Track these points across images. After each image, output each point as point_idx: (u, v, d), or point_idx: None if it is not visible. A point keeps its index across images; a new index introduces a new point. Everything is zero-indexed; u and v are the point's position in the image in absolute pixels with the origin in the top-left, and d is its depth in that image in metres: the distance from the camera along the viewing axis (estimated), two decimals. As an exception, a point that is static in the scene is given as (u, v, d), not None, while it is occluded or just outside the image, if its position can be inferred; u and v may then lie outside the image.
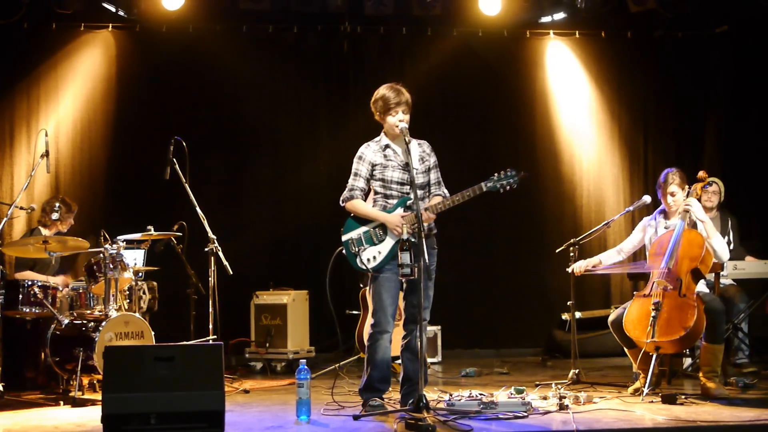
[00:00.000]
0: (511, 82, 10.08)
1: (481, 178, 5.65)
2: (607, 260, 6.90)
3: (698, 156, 9.93)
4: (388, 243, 5.71)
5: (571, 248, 7.08)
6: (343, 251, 5.83)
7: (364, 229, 5.77)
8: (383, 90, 5.82)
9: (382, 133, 5.91)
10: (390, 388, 5.92)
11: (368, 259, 5.71)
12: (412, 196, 5.63)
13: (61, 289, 7.14)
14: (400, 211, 5.72)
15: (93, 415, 5.65)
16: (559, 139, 10.08)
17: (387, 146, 5.84)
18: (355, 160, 5.89)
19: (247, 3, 9.27)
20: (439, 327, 8.87)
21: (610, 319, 6.50)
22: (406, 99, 5.76)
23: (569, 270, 6.92)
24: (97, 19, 9.46)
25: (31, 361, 7.20)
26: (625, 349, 6.47)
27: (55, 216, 7.57)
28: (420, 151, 5.89)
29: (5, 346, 6.83)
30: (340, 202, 5.88)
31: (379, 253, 5.71)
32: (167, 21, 9.40)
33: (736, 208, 8.28)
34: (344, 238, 5.81)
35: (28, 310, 6.90)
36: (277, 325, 8.66)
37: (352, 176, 5.87)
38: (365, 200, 5.88)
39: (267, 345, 8.60)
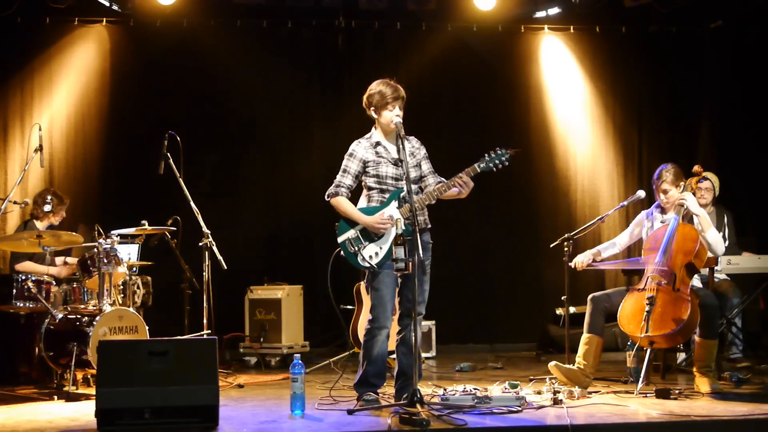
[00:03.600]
0: (506, 76, 10.08)
1: (477, 173, 5.66)
2: (604, 252, 6.91)
3: (693, 151, 9.92)
4: (388, 238, 5.71)
5: (566, 243, 7.08)
6: (342, 253, 5.83)
7: (359, 227, 5.77)
8: (379, 85, 5.82)
9: (373, 130, 5.91)
10: (384, 383, 5.93)
11: (370, 256, 5.70)
12: (405, 189, 5.64)
13: (57, 282, 7.15)
14: (393, 204, 5.73)
15: (87, 409, 5.63)
16: (553, 134, 10.08)
17: (378, 143, 5.84)
18: (346, 156, 5.89)
19: (241, -3, 9.28)
20: (433, 322, 8.88)
21: (593, 295, 6.56)
22: (402, 95, 5.78)
23: (572, 265, 6.90)
24: (91, 13, 9.43)
25: (25, 355, 7.19)
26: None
27: (47, 208, 7.57)
28: (409, 146, 5.90)
29: (-1, 340, 6.84)
30: (326, 197, 5.87)
31: (381, 248, 5.71)
32: (161, 15, 9.38)
33: (731, 203, 8.29)
34: (340, 239, 5.79)
35: (21, 304, 6.90)
36: (272, 319, 8.65)
37: (340, 172, 5.87)
38: (350, 197, 5.88)
39: (261, 340, 8.60)
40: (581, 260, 6.85)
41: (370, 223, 5.71)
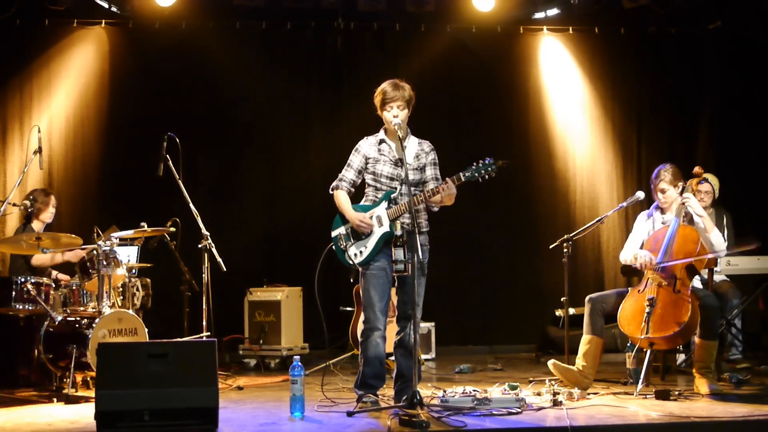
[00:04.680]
0: (505, 78, 10.08)
1: (461, 182, 5.65)
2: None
3: (691, 151, 9.93)
4: (374, 238, 5.73)
5: (565, 244, 7.08)
6: (333, 247, 5.87)
7: (350, 224, 5.80)
8: (383, 85, 5.83)
9: (382, 129, 5.93)
10: (384, 385, 5.93)
11: (355, 254, 5.76)
12: (399, 191, 5.65)
13: (56, 285, 7.15)
14: (383, 204, 5.75)
15: (86, 412, 5.63)
16: (552, 135, 10.07)
17: (383, 141, 5.87)
18: (353, 151, 5.94)
19: (240, -1, 9.28)
20: (432, 323, 8.87)
21: (590, 296, 6.54)
22: (401, 95, 5.75)
23: (637, 265, 6.66)
24: (90, 15, 9.43)
25: (24, 358, 7.18)
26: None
27: (30, 207, 7.57)
28: (418, 149, 5.90)
29: (-2, 343, 6.83)
30: (329, 190, 5.94)
31: (365, 247, 5.74)
32: (160, 17, 9.38)
33: (730, 203, 8.29)
34: (333, 234, 5.88)
35: (21, 307, 6.89)
36: (271, 321, 8.65)
37: (345, 166, 5.94)
38: (353, 192, 5.91)
39: (261, 342, 8.59)
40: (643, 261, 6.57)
41: (353, 219, 5.75)
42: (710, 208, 7.83)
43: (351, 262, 5.78)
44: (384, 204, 5.76)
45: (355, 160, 5.90)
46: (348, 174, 5.90)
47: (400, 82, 5.81)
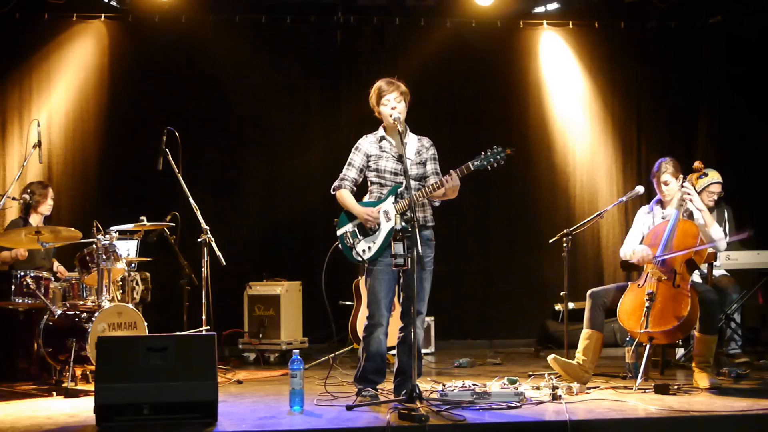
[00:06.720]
0: (505, 72, 10.06)
1: (470, 171, 5.65)
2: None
3: (691, 146, 9.93)
4: (381, 234, 5.72)
5: (564, 239, 7.08)
6: (339, 246, 5.86)
7: (357, 221, 5.80)
8: (377, 83, 5.86)
9: (381, 127, 5.92)
10: (384, 380, 5.93)
11: (363, 251, 5.75)
12: (404, 185, 5.64)
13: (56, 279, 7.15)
14: (391, 199, 5.74)
15: (86, 405, 5.63)
16: (552, 129, 10.06)
17: (383, 138, 5.87)
18: (352, 150, 5.93)
19: (240, -7, 9.28)
20: (432, 318, 8.87)
21: (592, 290, 6.54)
22: (396, 88, 5.77)
23: (633, 260, 6.69)
24: (90, 8, 9.43)
25: (24, 352, 7.19)
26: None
27: (30, 200, 7.57)
28: (419, 145, 5.90)
29: (-3, 337, 6.84)
30: (331, 190, 5.93)
31: (374, 243, 5.73)
32: (160, 11, 9.38)
33: (730, 198, 8.29)
34: (339, 232, 5.87)
35: (20, 300, 6.88)
36: (271, 315, 8.65)
37: (346, 165, 5.92)
38: (355, 191, 5.89)
39: (260, 336, 8.60)
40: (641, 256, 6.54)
41: (360, 214, 5.75)
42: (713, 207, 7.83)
43: (360, 259, 5.78)
44: (391, 199, 5.75)
45: (356, 158, 5.89)
46: (350, 173, 5.89)
47: (393, 79, 5.83)
